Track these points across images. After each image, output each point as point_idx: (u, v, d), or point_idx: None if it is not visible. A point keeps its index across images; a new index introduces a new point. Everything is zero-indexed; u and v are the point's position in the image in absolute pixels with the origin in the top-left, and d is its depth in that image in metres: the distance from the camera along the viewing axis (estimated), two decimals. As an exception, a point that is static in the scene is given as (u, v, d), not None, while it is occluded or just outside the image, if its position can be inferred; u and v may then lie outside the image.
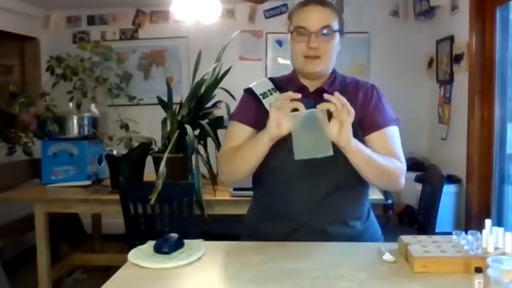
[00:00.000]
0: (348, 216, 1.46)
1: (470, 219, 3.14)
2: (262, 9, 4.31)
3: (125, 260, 1.30)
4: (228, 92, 2.81)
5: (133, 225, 2.50)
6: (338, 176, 1.41)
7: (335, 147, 1.28)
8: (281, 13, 4.27)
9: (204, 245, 1.38)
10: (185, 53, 4.42)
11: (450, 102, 3.62)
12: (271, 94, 1.48)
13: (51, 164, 3.07)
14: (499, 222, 2.96)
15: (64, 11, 4.50)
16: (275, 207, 1.46)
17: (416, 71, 4.19)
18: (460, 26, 3.33)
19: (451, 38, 3.52)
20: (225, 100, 2.87)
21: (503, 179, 3.05)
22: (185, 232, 1.51)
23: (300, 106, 1.26)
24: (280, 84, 1.51)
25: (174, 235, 1.37)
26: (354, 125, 1.28)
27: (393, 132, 1.47)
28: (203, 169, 2.71)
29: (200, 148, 2.82)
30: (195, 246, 1.37)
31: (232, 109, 1.62)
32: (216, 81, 2.83)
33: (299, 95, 1.27)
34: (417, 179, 3.51)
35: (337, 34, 1.44)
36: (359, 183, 1.44)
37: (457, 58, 3.37)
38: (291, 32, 1.44)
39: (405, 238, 1.31)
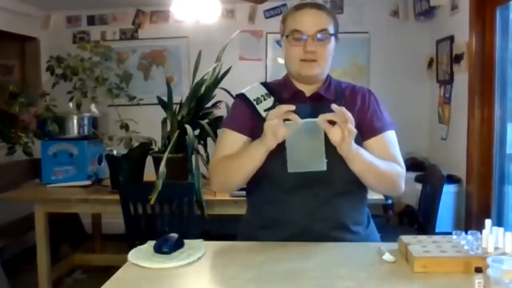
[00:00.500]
0: (350, 221, 1.44)
1: (470, 219, 3.15)
2: (262, 9, 4.31)
3: (125, 260, 1.30)
4: (228, 92, 2.81)
5: (133, 225, 2.50)
6: (338, 182, 1.39)
7: (335, 153, 1.27)
8: (281, 13, 4.26)
9: (204, 245, 1.38)
10: (185, 53, 4.42)
11: (450, 102, 3.62)
12: (264, 99, 1.45)
13: (51, 164, 3.07)
14: (499, 222, 2.96)
15: (64, 11, 4.50)
16: (274, 214, 1.42)
17: (416, 71, 4.19)
18: (460, 26, 3.33)
19: (451, 38, 3.52)
20: (225, 100, 2.87)
21: (503, 179, 3.05)
22: (185, 232, 1.51)
23: (296, 117, 1.24)
24: (274, 89, 1.48)
25: (174, 235, 1.37)
26: None
27: (391, 136, 1.46)
28: (203, 169, 2.71)
29: (200, 148, 2.82)
30: (195, 246, 1.37)
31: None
32: (216, 81, 2.83)
33: (293, 107, 1.24)
34: (417, 179, 3.51)
35: (333, 38, 1.42)
36: (358, 188, 1.43)
37: (457, 58, 3.37)
38: (287, 36, 1.42)
39: (405, 238, 1.30)
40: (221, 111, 2.91)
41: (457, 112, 3.48)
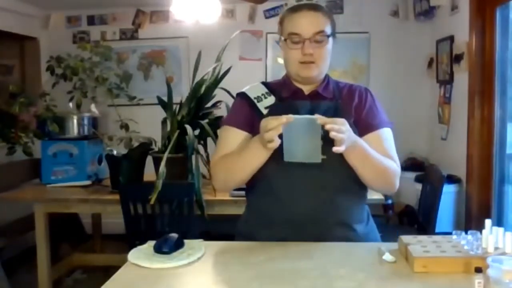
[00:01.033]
0: (350, 219, 1.44)
1: (470, 219, 3.15)
2: (262, 9, 4.31)
3: (125, 260, 1.30)
4: (228, 92, 2.81)
5: (133, 225, 2.50)
6: (338, 179, 1.40)
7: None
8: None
9: (204, 245, 1.38)
10: (185, 53, 4.42)
11: (450, 102, 3.62)
12: (265, 98, 1.48)
13: (51, 164, 3.07)
14: (499, 222, 2.96)
15: (64, 11, 4.51)
16: (274, 212, 1.42)
17: (416, 71, 4.20)
18: (460, 26, 3.33)
19: (451, 38, 3.52)
20: (225, 100, 2.87)
21: (503, 179, 3.05)
22: (185, 232, 1.51)
23: (289, 117, 1.24)
24: (273, 89, 1.51)
25: (174, 235, 1.37)
26: (351, 125, 1.30)
27: (387, 134, 1.47)
28: (203, 169, 2.71)
29: (200, 148, 2.82)
30: (195, 246, 1.37)
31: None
32: (216, 81, 2.83)
33: (291, 118, 1.24)
34: (417, 179, 3.51)
35: (330, 39, 1.43)
36: (358, 186, 1.44)
37: (457, 58, 3.37)
38: (285, 39, 1.43)
39: (405, 238, 1.30)
40: (221, 111, 2.91)
41: (457, 112, 3.48)
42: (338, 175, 1.39)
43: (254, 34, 4.38)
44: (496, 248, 1.20)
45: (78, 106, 3.52)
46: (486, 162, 3.08)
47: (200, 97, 2.83)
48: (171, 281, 1.17)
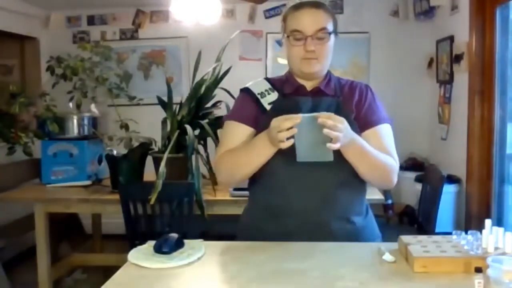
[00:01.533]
0: (350, 212, 1.47)
1: (470, 219, 3.15)
2: (262, 9, 4.31)
3: (125, 260, 1.30)
4: (228, 92, 2.81)
5: (133, 225, 2.50)
6: (340, 173, 1.42)
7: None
8: (281, 13, 4.26)
9: (204, 245, 1.38)
10: (185, 53, 4.42)
11: (450, 102, 3.62)
12: (268, 94, 1.50)
13: (51, 164, 3.07)
14: (499, 222, 2.96)
15: (64, 11, 4.50)
16: (278, 205, 1.45)
17: (416, 71, 4.20)
18: (460, 26, 3.33)
19: (451, 38, 3.52)
20: (225, 100, 2.87)
21: (503, 179, 3.05)
22: (185, 232, 1.51)
23: (299, 117, 1.26)
24: (276, 85, 1.53)
25: (174, 235, 1.37)
26: (351, 122, 1.34)
27: (386, 130, 1.50)
28: (203, 169, 2.71)
29: (200, 148, 2.82)
30: (195, 246, 1.37)
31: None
32: (216, 81, 2.83)
33: (298, 119, 1.25)
34: (417, 179, 3.51)
35: (332, 35, 1.45)
36: (358, 180, 1.46)
37: (457, 58, 3.37)
38: (287, 36, 1.46)
39: (405, 238, 1.31)
40: (221, 111, 2.91)
41: (457, 112, 3.48)
42: (339, 170, 1.41)
43: (254, 34, 4.38)
44: (496, 248, 1.20)
45: (78, 106, 3.51)
46: (486, 162, 3.08)
47: (200, 97, 2.82)
48: (171, 281, 1.17)
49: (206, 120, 2.81)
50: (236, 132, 1.49)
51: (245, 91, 1.54)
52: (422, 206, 3.12)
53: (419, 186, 3.29)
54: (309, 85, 1.50)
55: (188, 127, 2.59)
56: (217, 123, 2.79)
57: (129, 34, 4.50)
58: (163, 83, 3.44)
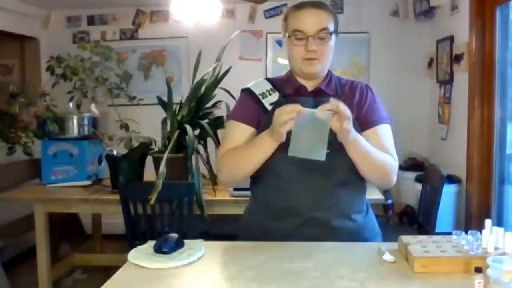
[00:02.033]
0: (351, 210, 1.48)
1: (470, 219, 3.15)
2: (262, 9, 4.31)
3: (125, 260, 1.30)
4: (228, 92, 2.81)
5: (133, 225, 2.50)
6: (340, 172, 1.43)
7: (338, 144, 1.31)
8: (281, 13, 4.26)
9: (204, 245, 1.38)
10: (185, 53, 4.42)
11: (450, 102, 3.62)
12: (270, 94, 1.51)
13: (51, 164, 3.06)
14: (499, 222, 2.96)
15: (64, 11, 4.51)
16: (279, 204, 1.46)
17: (416, 71, 4.20)
18: (460, 26, 3.33)
19: (451, 38, 3.52)
20: (225, 100, 2.87)
21: (503, 179, 3.05)
22: (185, 232, 1.52)
23: (301, 109, 1.27)
24: (277, 85, 1.53)
25: (174, 235, 1.37)
26: (353, 121, 1.33)
27: (385, 129, 1.51)
28: (203, 169, 2.71)
29: (200, 148, 2.82)
30: (195, 246, 1.37)
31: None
32: (216, 81, 2.83)
33: (301, 109, 1.27)
34: (417, 179, 3.51)
35: (333, 35, 1.46)
36: (359, 178, 1.47)
37: (457, 58, 3.37)
38: (289, 36, 1.46)
39: (405, 238, 1.31)
40: (221, 111, 2.91)
41: (457, 112, 3.48)
42: (340, 169, 1.43)
43: (254, 34, 4.38)
44: (496, 248, 1.20)
45: (78, 106, 3.51)
46: (486, 162, 3.08)
47: (200, 97, 2.82)
48: (171, 281, 1.17)
49: (206, 120, 2.81)
50: (238, 132, 1.50)
51: (247, 91, 1.55)
52: (422, 206, 3.12)
53: (419, 186, 3.29)
54: (310, 85, 1.51)
55: (188, 127, 2.59)
56: (217, 123, 2.79)
57: (129, 34, 4.50)
58: (163, 83, 3.43)
